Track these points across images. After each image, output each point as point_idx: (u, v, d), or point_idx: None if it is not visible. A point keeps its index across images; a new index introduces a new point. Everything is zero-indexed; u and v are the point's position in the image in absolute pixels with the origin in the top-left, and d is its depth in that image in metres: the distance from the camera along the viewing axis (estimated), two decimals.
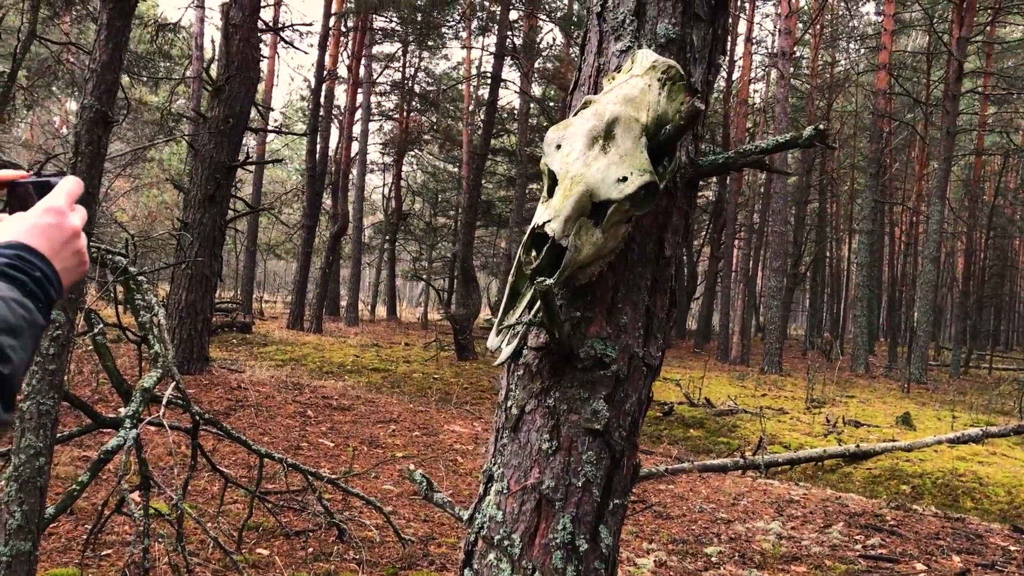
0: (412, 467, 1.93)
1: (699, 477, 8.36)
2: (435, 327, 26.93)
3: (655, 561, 5.53)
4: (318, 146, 22.62)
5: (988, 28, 26.80)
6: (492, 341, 1.80)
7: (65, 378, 3.74)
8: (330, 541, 5.18)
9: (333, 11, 22.62)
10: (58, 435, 4.38)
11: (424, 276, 31.43)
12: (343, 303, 29.92)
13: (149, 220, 29.75)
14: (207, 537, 4.33)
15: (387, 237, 33.07)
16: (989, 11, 25.16)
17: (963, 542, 6.51)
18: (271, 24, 17.48)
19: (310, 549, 4.99)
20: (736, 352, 26.06)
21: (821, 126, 1.65)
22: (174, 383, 3.99)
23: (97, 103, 3.71)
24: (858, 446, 10.30)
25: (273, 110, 27.69)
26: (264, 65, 26.89)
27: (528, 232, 1.71)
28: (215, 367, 11.40)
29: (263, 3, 12.08)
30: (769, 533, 6.47)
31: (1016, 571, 5.82)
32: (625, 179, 1.67)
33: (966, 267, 33.64)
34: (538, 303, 1.64)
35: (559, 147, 1.76)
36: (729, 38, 31.93)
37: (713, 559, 5.80)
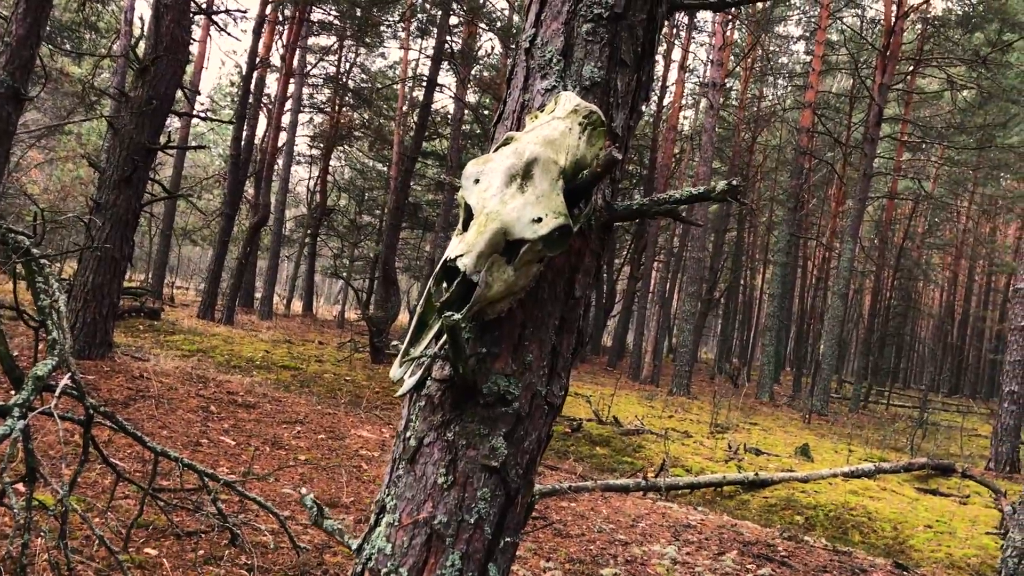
0: (304, 490, 1.89)
1: (601, 496, 8.43)
2: (352, 327, 26.65)
3: None
4: (244, 133, 22.19)
5: (909, 77, 27.90)
6: (395, 371, 1.78)
7: None
8: (222, 544, 5.05)
9: None
10: None
11: (344, 274, 31.05)
12: (258, 295, 29.36)
13: (62, 195, 28.69)
14: (93, 534, 4.18)
15: (309, 231, 32.59)
16: (911, 61, 26.21)
17: None
18: (204, 7, 17.06)
19: (201, 551, 4.85)
20: (648, 372, 26.46)
21: (734, 182, 1.68)
22: (69, 373, 3.84)
23: (9, 79, 3.57)
24: (757, 474, 10.55)
25: (200, 93, 27.04)
26: (195, 47, 26.27)
27: (439, 264, 1.71)
28: (118, 353, 11.04)
29: None
30: (664, 557, 6.56)
31: None
32: (540, 220, 1.68)
33: (872, 305, 34.88)
34: (444, 336, 1.64)
35: (477, 181, 1.76)
36: (659, 77, 32.59)
37: None
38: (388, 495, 1.90)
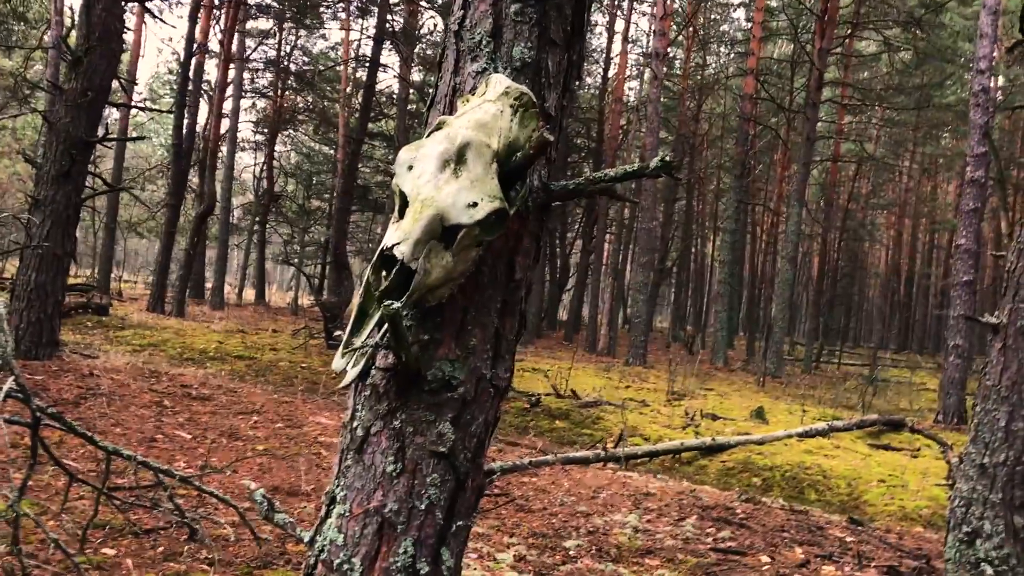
0: (253, 485, 1.88)
1: (562, 470, 8.50)
2: (305, 314, 26.42)
3: (515, 556, 5.60)
4: (185, 122, 21.76)
5: (847, 41, 28.26)
6: (337, 362, 1.77)
7: None
8: (182, 540, 5.00)
9: None
10: None
11: (295, 261, 30.76)
12: (208, 286, 28.95)
13: (26, 194, 27.92)
14: (48, 538, 4.11)
15: (257, 219, 32.17)
16: (848, 25, 26.54)
17: (805, 534, 6.86)
18: None
19: (160, 548, 4.80)
20: (604, 343, 26.67)
21: (667, 157, 1.70)
22: (13, 376, 3.76)
23: None
24: (714, 439, 10.72)
25: (138, 83, 26.45)
26: (130, 36, 25.65)
27: (377, 254, 1.70)
28: (67, 352, 10.83)
29: None
30: (626, 526, 6.65)
31: (851, 561, 6.18)
32: (475, 204, 1.68)
33: (820, 267, 35.49)
34: (386, 325, 1.64)
35: (411, 168, 1.75)
36: (603, 49, 32.58)
37: (571, 552, 5.91)
38: (338, 486, 1.90)
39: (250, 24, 29.51)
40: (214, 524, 5.33)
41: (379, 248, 1.72)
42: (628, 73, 31.83)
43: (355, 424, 1.89)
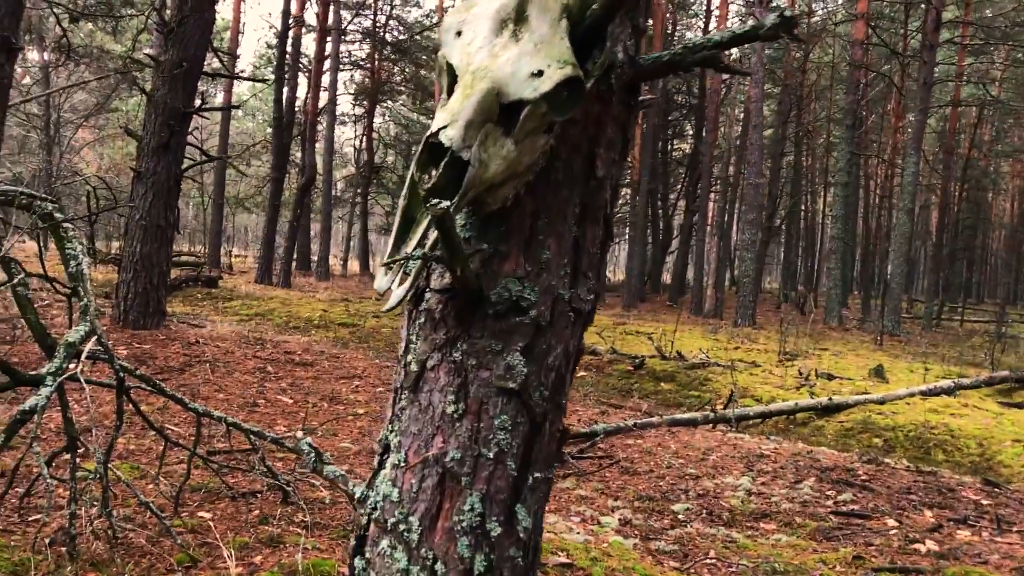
0: (300, 434, 1.64)
1: (668, 432, 8.17)
2: None
3: (620, 519, 5.33)
4: (285, 95, 22.03)
5: None
6: (380, 281, 1.48)
7: None
8: (276, 503, 4.92)
9: None
10: None
11: None
12: (314, 258, 29.47)
13: (114, 171, 29.01)
14: (140, 502, 4.06)
15: (359, 190, 32.52)
16: None
17: (935, 496, 6.37)
18: None
19: (255, 512, 4.72)
20: (710, 305, 25.97)
21: (787, 12, 1.35)
22: (95, 336, 3.68)
23: None
24: (830, 399, 10.18)
25: (239, 57, 26.93)
26: (228, 11, 26.10)
27: (422, 142, 1.38)
28: (174, 322, 11.06)
29: None
30: (738, 489, 6.30)
31: (988, 526, 5.68)
32: (541, 73, 1.35)
33: (940, 220, 33.67)
34: (435, 232, 1.35)
35: (459, 34, 1.45)
36: (702, 0, 31.37)
37: (680, 516, 5.61)
38: (391, 431, 1.63)
39: None
40: (311, 487, 5.24)
41: (424, 136, 1.41)
42: (730, 23, 30.63)
43: (409, 358, 1.60)
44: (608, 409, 9.44)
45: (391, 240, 1.49)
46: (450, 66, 1.46)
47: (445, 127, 1.36)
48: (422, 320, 1.59)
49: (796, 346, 16.04)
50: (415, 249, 1.44)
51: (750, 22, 1.40)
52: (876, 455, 8.15)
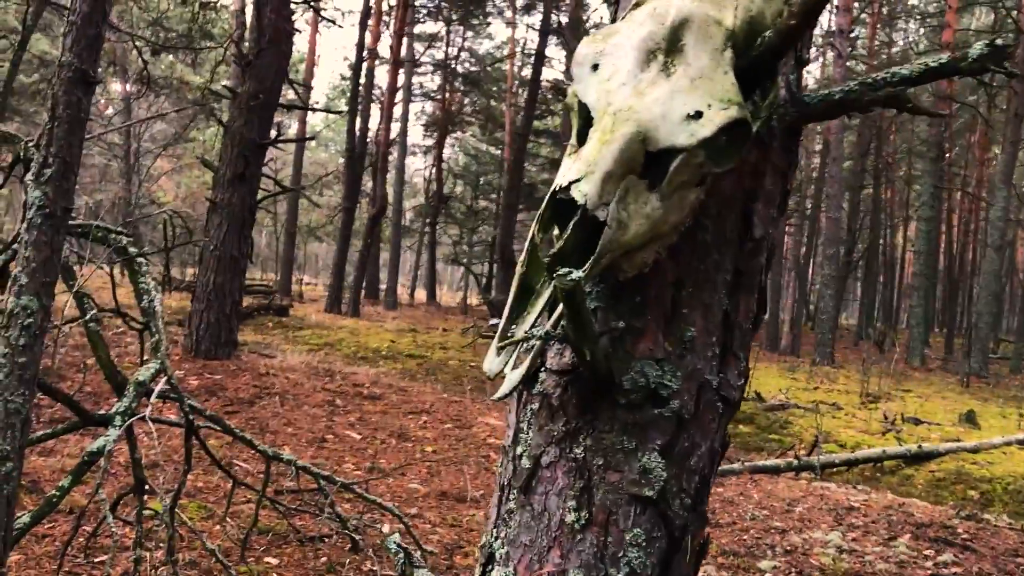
0: (386, 529, 1.43)
1: (750, 479, 7.79)
2: (475, 312, 26.54)
3: None
4: (358, 126, 22.24)
5: None
6: (491, 363, 1.24)
7: (52, 369, 3.32)
8: (346, 549, 4.73)
9: None
10: (37, 434, 3.98)
11: (464, 260, 30.99)
12: (383, 287, 29.62)
13: (191, 200, 29.66)
14: (204, 548, 3.90)
15: (427, 220, 32.66)
16: None
17: None
18: None
19: (323, 559, 4.55)
20: (786, 342, 25.27)
21: (999, 40, 1.10)
22: (165, 377, 3.55)
23: (76, 60, 3.26)
24: (920, 446, 9.64)
25: (313, 88, 27.37)
26: (304, 43, 26.59)
27: (547, 198, 1.16)
28: (245, 352, 11.07)
29: None
30: (828, 545, 5.90)
31: None
32: (699, 115, 1.09)
33: None
34: (560, 307, 1.10)
35: (596, 67, 1.19)
36: None
37: (768, 574, 5.26)
38: (496, 537, 1.36)
39: (418, 28, 29.96)
40: (380, 533, 5.04)
41: (550, 190, 1.17)
42: (809, 55, 30.08)
43: (519, 450, 1.33)
44: None
45: (505, 312, 1.24)
46: (583, 106, 1.20)
47: (578, 180, 1.10)
48: (536, 406, 1.31)
49: (878, 387, 15.39)
50: (535, 325, 1.19)
51: (944, 56, 1.14)
52: (974, 509, 7.64)
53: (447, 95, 32.23)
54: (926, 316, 25.75)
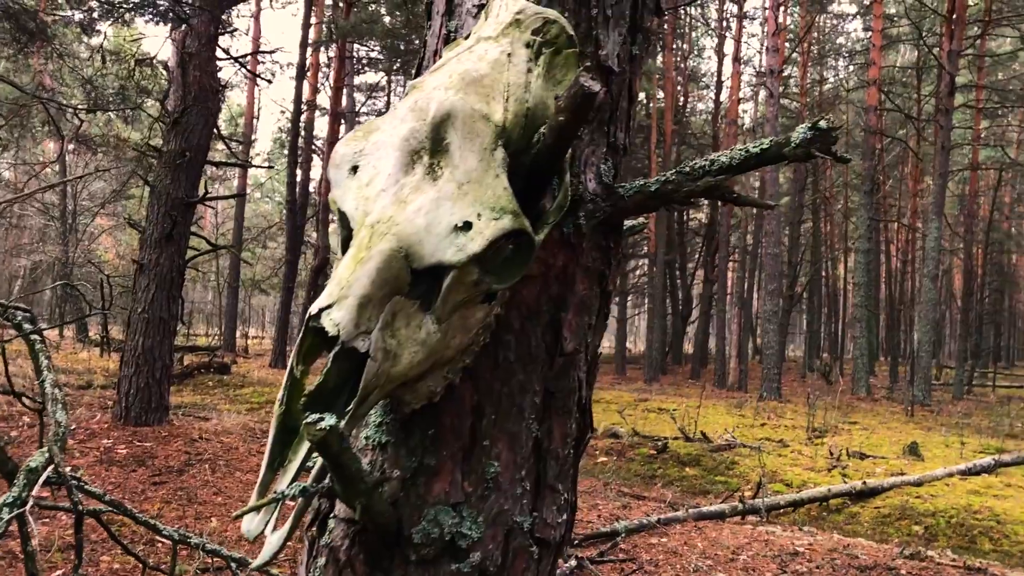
0: None
1: (695, 527, 7.67)
2: None
3: None
4: (299, 178, 22.06)
5: (979, 41, 26.37)
6: (249, 524, 1.08)
7: None
8: None
9: (310, 40, 22.14)
10: None
11: None
12: None
13: (131, 258, 29.05)
14: None
15: None
16: (979, 24, 24.76)
17: None
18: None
19: None
20: (733, 378, 25.37)
21: (823, 122, 1.00)
22: (53, 464, 3.33)
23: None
24: (864, 483, 9.63)
25: (255, 141, 27.12)
26: (243, 97, 26.40)
27: (303, 326, 1.02)
28: (179, 416, 10.73)
29: (223, 31, 11.55)
30: None
31: None
32: (468, 226, 0.95)
33: (965, 284, 33.08)
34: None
35: (355, 170, 1.05)
36: (713, 72, 31.47)
37: None
38: None
39: (358, 79, 29.95)
40: None
41: (305, 316, 1.02)
42: (741, 94, 30.69)
43: None
44: (631, 501, 8.94)
45: (264, 460, 1.04)
46: (343, 214, 1.06)
47: (329, 306, 0.96)
48: (323, 561, 1.11)
49: (825, 421, 15.45)
50: (296, 476, 1.00)
51: (765, 140, 1.02)
52: (918, 546, 7.60)
53: None
54: (870, 346, 26.10)
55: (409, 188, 0.95)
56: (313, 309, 0.95)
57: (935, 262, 21.51)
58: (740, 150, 1.08)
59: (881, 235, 32.93)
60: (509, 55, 1.01)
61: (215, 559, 4.65)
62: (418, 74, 1.24)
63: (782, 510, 9.02)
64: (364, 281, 0.89)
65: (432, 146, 0.98)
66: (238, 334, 27.40)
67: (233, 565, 4.09)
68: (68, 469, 3.70)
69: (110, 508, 3.91)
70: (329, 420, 0.82)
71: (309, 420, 0.82)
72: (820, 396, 19.20)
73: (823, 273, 37.35)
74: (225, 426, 10.61)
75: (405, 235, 0.92)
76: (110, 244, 33.71)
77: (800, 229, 32.73)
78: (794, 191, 29.48)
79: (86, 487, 3.67)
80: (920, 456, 12.03)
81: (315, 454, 0.97)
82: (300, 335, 0.97)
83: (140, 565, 5.05)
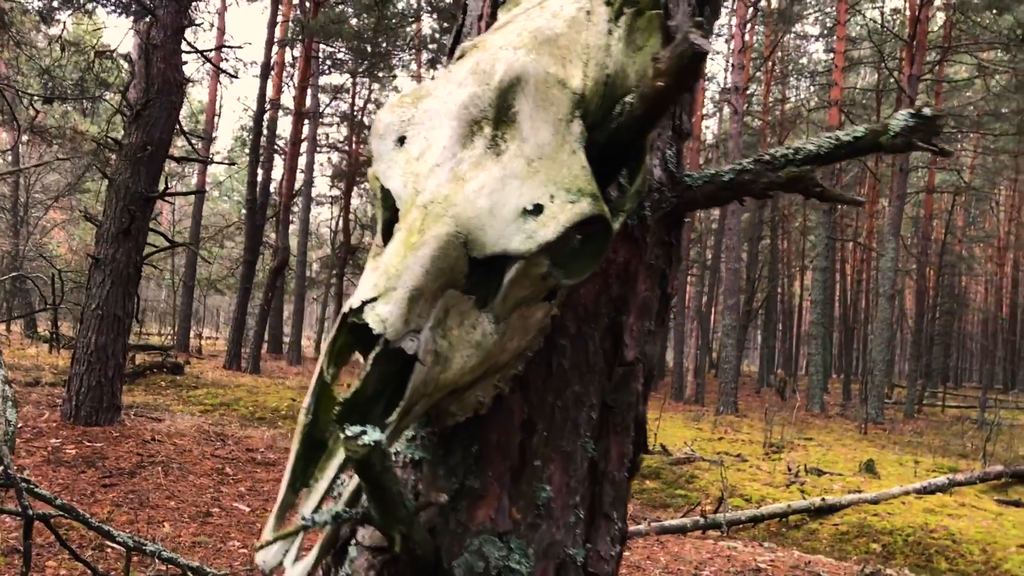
0: None
1: (657, 541, 7.61)
2: None
3: None
4: (260, 177, 21.72)
5: (937, 67, 26.88)
6: (266, 553, 0.91)
7: None
8: None
9: (276, 38, 21.85)
10: None
11: None
12: (286, 340, 28.80)
13: (84, 253, 28.41)
14: None
15: (334, 271, 32.02)
16: (938, 50, 25.24)
17: None
18: (212, 48, 16.62)
19: None
20: (691, 391, 25.49)
21: (926, 109, 0.90)
22: (2, 466, 3.15)
23: None
24: (823, 499, 9.67)
25: (216, 138, 26.68)
26: (204, 94, 25.97)
27: (338, 321, 0.86)
28: (131, 416, 10.43)
29: (188, 24, 11.30)
30: None
31: None
32: (539, 209, 0.81)
33: (917, 304, 33.68)
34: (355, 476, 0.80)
35: (402, 141, 0.89)
36: None
37: None
38: None
39: (323, 80, 29.64)
40: None
41: (342, 311, 0.86)
42: (704, 111, 30.94)
43: None
44: None
45: (284, 480, 0.89)
46: (387, 193, 0.90)
47: (373, 300, 0.81)
48: None
49: (782, 436, 15.54)
50: (322, 500, 0.84)
51: (859, 128, 0.92)
52: (877, 564, 7.64)
53: (354, 146, 31.88)
54: (824, 363, 26.39)
55: (468, 164, 0.82)
56: (355, 302, 0.80)
57: (891, 282, 21.83)
58: (829, 137, 0.98)
59: (837, 254, 33.40)
60: (588, 12, 0.89)
61: (170, 567, 4.47)
62: (455, 45, 1.09)
63: (742, 525, 9.01)
64: (417, 271, 0.75)
65: (496, 115, 0.85)
66: (192, 334, 26.88)
67: (190, 574, 3.92)
68: (15, 470, 3.52)
69: (61, 512, 3.72)
70: (373, 435, 0.68)
71: (349, 434, 0.69)
72: (776, 411, 19.35)
73: (779, 290, 37.78)
74: (178, 428, 10.34)
75: (464, 218, 0.79)
76: (63, 238, 32.95)
77: (759, 245, 33.07)
78: (754, 207, 29.76)
79: (36, 490, 3.48)
80: (876, 474, 12.13)
81: (344, 473, 0.84)
82: (333, 334, 0.83)
83: (89, 572, 4.84)
